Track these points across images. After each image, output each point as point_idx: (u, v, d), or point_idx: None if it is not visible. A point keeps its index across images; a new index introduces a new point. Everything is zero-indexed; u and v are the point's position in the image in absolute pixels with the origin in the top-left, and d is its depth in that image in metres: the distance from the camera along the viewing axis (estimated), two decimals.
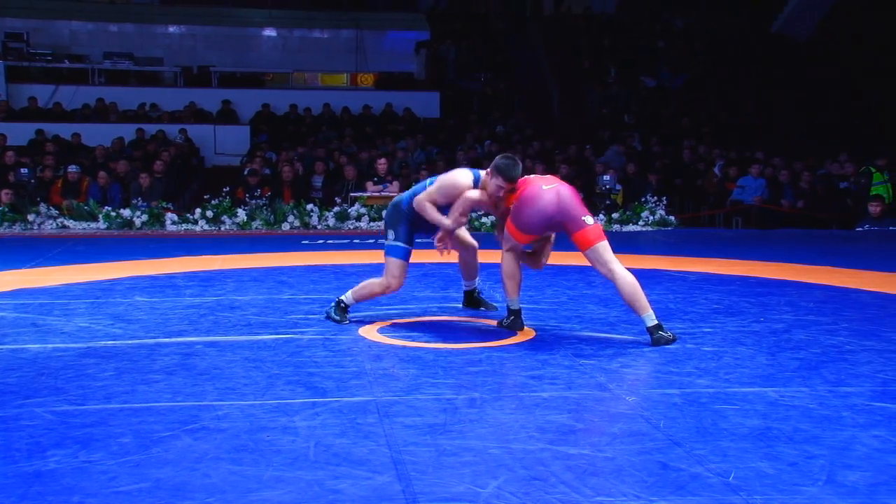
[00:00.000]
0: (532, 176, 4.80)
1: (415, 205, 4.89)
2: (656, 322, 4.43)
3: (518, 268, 4.81)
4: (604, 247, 4.50)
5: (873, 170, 12.38)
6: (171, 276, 6.95)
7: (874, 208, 11.83)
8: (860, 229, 11.89)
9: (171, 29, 19.80)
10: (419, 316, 5.25)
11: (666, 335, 4.41)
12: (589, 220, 4.53)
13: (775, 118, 17.47)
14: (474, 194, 4.77)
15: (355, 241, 10.31)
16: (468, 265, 5.32)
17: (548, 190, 4.55)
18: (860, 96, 17.51)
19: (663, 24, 20.93)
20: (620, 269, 4.47)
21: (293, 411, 3.25)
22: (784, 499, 2.44)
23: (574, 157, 14.41)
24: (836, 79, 17.82)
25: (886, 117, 16.34)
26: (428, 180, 5.00)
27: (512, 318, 4.81)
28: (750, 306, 5.56)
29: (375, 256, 8.49)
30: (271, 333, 4.70)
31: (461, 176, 4.85)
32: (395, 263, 4.95)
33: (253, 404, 3.34)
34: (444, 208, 4.85)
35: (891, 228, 11.53)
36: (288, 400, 3.41)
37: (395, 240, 4.97)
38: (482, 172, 4.86)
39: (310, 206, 11.91)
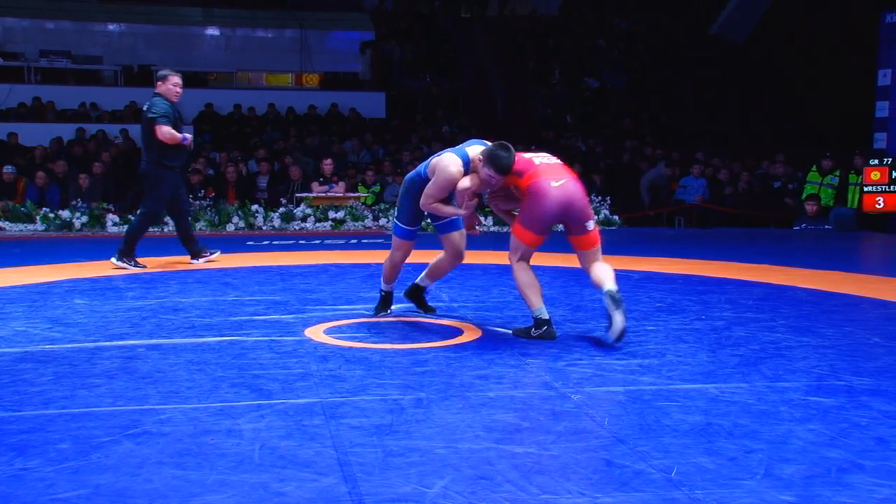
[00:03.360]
0: (538, 162, 4.53)
1: (424, 210, 4.83)
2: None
3: (534, 275, 4.64)
4: (598, 250, 4.61)
5: (814, 168, 12.67)
6: (111, 279, 6.83)
7: (811, 207, 12.14)
8: (797, 228, 12.19)
9: (111, 27, 19.44)
10: (365, 317, 5.23)
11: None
12: (591, 224, 4.56)
13: (715, 119, 17.81)
14: (466, 183, 4.60)
15: (301, 241, 10.24)
16: (439, 269, 5.14)
17: (557, 187, 4.40)
18: (795, 97, 17.94)
19: (605, 25, 21.20)
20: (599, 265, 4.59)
21: (238, 414, 3.22)
22: (723, 493, 2.48)
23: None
24: (771, 80, 18.24)
25: (819, 118, 16.77)
26: (423, 165, 4.88)
27: (544, 327, 4.57)
28: (692, 304, 5.66)
29: (321, 257, 8.45)
30: (216, 335, 4.64)
31: (451, 165, 4.64)
32: (395, 241, 5.05)
33: (196, 407, 3.30)
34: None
35: (826, 227, 11.84)
36: (232, 402, 3.37)
37: (396, 217, 5.04)
38: (468, 151, 4.68)
39: (255, 207, 11.80)
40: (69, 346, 4.38)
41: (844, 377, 3.81)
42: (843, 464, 2.72)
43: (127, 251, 7.41)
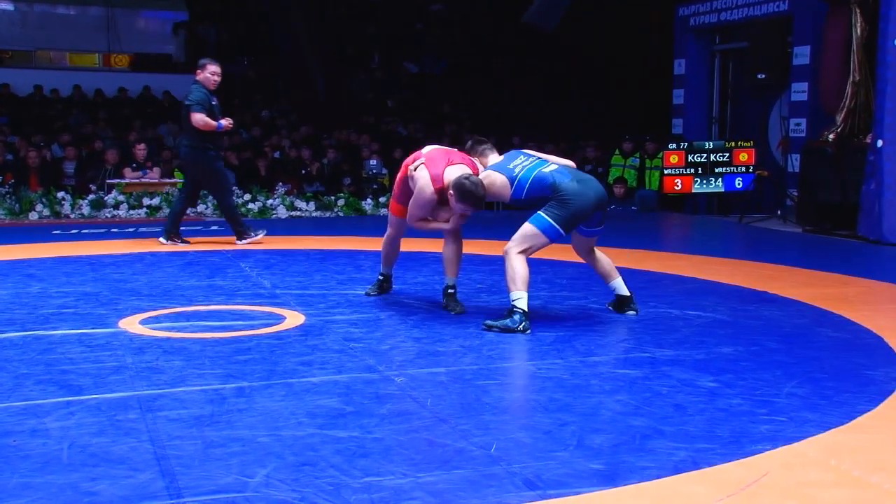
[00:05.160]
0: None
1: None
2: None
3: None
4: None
5: (617, 152, 13.39)
6: None
7: (618, 190, 12.81)
8: (608, 209, 12.82)
9: None
10: (184, 306, 5.07)
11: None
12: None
13: (530, 104, 18.42)
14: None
15: (113, 230, 9.75)
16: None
17: None
18: (601, 85, 18.84)
19: (423, 10, 21.41)
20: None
21: (44, 412, 3.04)
22: (539, 465, 2.60)
23: (341, 143, 14.46)
24: (580, 68, 19.06)
25: (623, 105, 17.72)
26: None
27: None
28: None
29: (135, 246, 8.08)
30: (18, 331, 4.35)
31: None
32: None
33: None
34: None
35: (632, 208, 12.53)
36: (38, 400, 3.18)
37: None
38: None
39: (61, 194, 11.12)
40: None
41: (648, 349, 4.07)
42: (645, 430, 2.92)
43: (172, 230, 7.89)
